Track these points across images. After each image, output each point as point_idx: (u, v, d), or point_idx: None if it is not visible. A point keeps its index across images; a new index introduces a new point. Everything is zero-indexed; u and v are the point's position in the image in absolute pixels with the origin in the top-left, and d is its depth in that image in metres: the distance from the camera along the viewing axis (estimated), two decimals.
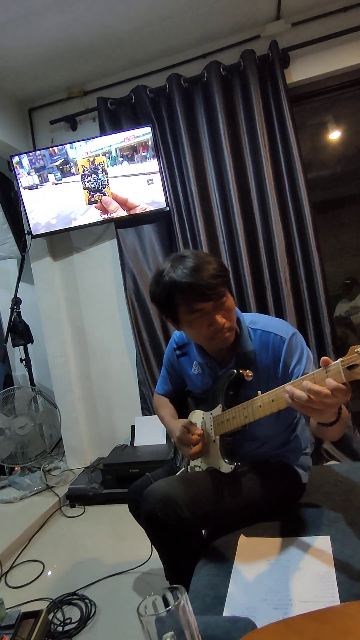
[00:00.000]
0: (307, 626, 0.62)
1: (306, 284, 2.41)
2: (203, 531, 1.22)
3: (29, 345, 2.87)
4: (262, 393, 1.05)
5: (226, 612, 0.89)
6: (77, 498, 2.36)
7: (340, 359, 0.82)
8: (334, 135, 3.39)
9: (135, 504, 1.42)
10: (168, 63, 2.47)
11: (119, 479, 2.29)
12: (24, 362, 2.83)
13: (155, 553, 1.48)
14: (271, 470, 1.23)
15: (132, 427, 2.60)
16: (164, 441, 2.47)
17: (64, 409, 2.74)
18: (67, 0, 1.97)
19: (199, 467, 1.27)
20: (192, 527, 1.08)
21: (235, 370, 1.14)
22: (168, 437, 2.48)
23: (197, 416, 1.29)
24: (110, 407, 2.80)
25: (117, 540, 2.00)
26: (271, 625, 0.63)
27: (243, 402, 1.10)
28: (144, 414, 2.65)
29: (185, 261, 1.09)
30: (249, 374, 1.12)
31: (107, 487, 2.32)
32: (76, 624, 1.50)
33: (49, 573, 1.84)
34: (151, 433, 2.52)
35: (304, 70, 2.36)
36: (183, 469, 1.36)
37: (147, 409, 2.65)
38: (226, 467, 1.15)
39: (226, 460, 1.15)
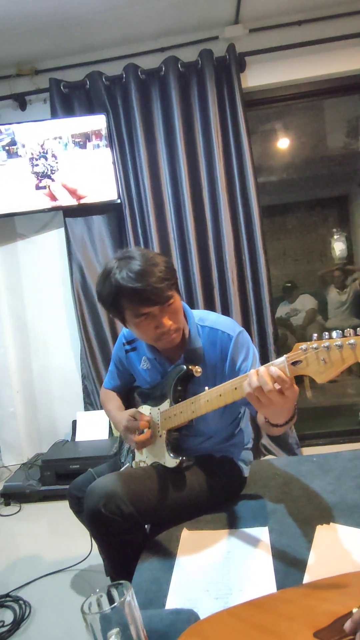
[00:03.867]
0: (248, 613, 0.64)
1: (252, 285, 2.49)
2: (146, 526, 1.22)
3: None
4: (209, 389, 1.07)
5: (169, 605, 0.90)
6: (13, 496, 2.26)
7: (286, 355, 0.86)
8: (283, 143, 3.54)
9: (76, 500, 1.39)
10: (126, 52, 2.43)
11: (59, 475, 2.22)
12: None
13: (95, 549, 1.47)
14: (215, 465, 1.26)
15: (74, 422, 2.53)
16: (106, 436, 2.44)
17: (1, 403, 2.61)
18: None
19: (144, 462, 1.27)
20: (136, 522, 1.08)
21: (185, 366, 1.15)
22: (111, 432, 2.45)
23: (145, 410, 1.29)
24: (51, 402, 2.71)
25: (55, 538, 1.94)
26: (214, 615, 0.65)
27: (190, 398, 1.12)
28: (86, 409, 2.60)
29: (132, 263, 1.08)
30: (198, 369, 1.14)
31: (45, 484, 2.24)
32: (8, 626, 1.44)
33: None
34: (94, 428, 2.48)
35: (258, 76, 2.43)
36: (127, 464, 1.35)
37: (91, 403, 2.60)
38: (171, 461, 1.16)
39: (171, 455, 1.16)
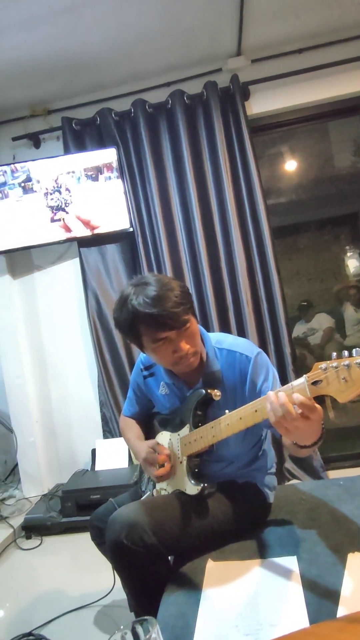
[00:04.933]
0: None
1: (267, 305, 2.48)
2: (169, 557, 1.19)
3: None
4: (229, 412, 1.05)
5: None
6: (34, 528, 2.23)
7: (306, 375, 0.85)
8: (290, 165, 3.59)
9: (97, 532, 1.36)
10: (133, 88, 2.53)
11: (79, 506, 2.19)
12: None
13: (118, 583, 1.43)
14: (238, 491, 1.23)
15: (93, 451, 2.51)
16: (126, 464, 2.41)
17: (21, 433, 2.62)
18: (33, 21, 1.98)
19: (165, 490, 1.25)
20: (159, 553, 1.05)
21: (204, 390, 1.14)
22: (131, 460, 2.42)
23: (164, 437, 1.28)
24: (70, 431, 2.70)
25: (77, 572, 1.90)
26: None
27: (210, 422, 1.10)
28: (105, 437, 2.58)
29: (148, 289, 1.09)
30: (217, 393, 1.13)
31: (66, 515, 2.21)
32: None
33: (1, 613, 1.71)
34: (113, 456, 2.45)
35: (263, 103, 2.49)
36: (148, 493, 1.32)
37: (109, 431, 2.59)
38: (192, 488, 1.13)
39: (192, 482, 1.14)
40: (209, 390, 1.14)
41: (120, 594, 1.50)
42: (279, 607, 0.92)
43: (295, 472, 2.35)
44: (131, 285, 1.14)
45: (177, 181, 2.50)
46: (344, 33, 2.35)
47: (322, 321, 4.17)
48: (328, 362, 0.82)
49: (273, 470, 1.33)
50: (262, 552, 1.11)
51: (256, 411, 0.97)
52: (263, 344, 2.48)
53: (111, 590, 1.62)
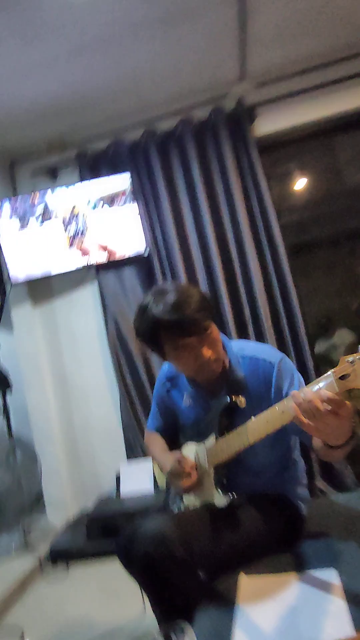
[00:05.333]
0: None
1: (286, 320, 2.47)
2: (200, 573, 1.14)
3: (8, 395, 2.76)
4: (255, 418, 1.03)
5: None
6: (60, 556, 2.18)
7: (332, 369, 0.83)
8: (301, 182, 3.63)
9: (125, 552, 1.31)
10: (143, 118, 2.63)
11: (105, 532, 2.14)
12: (1, 411, 2.71)
13: (149, 609, 1.37)
14: (269, 503, 1.18)
15: (118, 475, 2.47)
16: (151, 489, 2.35)
17: (45, 459, 2.60)
18: (48, 62, 2.11)
19: (194, 503, 1.21)
20: (189, 567, 1.01)
21: (228, 397, 1.12)
22: (156, 484, 2.36)
23: (190, 449, 1.25)
24: (94, 455, 2.67)
25: (106, 600, 1.83)
26: None
27: (236, 429, 1.08)
28: (129, 460, 2.54)
29: (167, 296, 1.09)
30: (241, 399, 1.11)
31: (92, 542, 2.16)
32: None
33: None
34: (138, 480, 2.40)
35: (269, 123, 2.56)
36: (176, 507, 1.29)
37: (133, 455, 2.55)
38: (221, 499, 1.10)
39: (220, 492, 1.11)
40: (233, 398, 1.12)
41: (151, 620, 1.43)
42: (321, 622, 0.86)
43: (326, 490, 2.25)
44: (150, 294, 1.14)
45: (190, 204, 2.56)
46: (344, 52, 2.42)
47: (344, 337, 4.10)
48: (355, 354, 0.81)
49: (305, 481, 1.28)
50: (298, 566, 1.06)
51: (283, 412, 0.95)
52: None
53: (141, 617, 1.55)
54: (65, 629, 1.70)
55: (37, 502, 2.63)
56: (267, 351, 1.19)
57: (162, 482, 2.34)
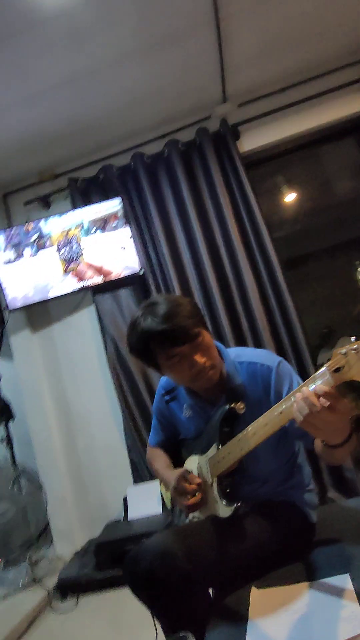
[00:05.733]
0: None
1: (285, 330, 2.46)
2: (210, 591, 1.09)
3: (10, 424, 2.74)
4: None
5: None
6: (69, 588, 2.10)
7: (326, 364, 0.82)
8: (290, 195, 3.69)
9: (132, 575, 1.27)
10: (132, 144, 2.71)
11: (114, 559, 2.07)
12: (4, 441, 2.68)
13: (162, 638, 1.31)
14: (276, 511, 1.15)
15: (125, 500, 2.41)
16: (160, 510, 2.29)
17: (50, 488, 2.55)
18: (34, 96, 2.19)
19: (198, 518, 1.18)
20: (196, 581, 0.97)
21: (227, 406, 1.11)
22: (164, 505, 2.30)
23: (193, 462, 1.23)
24: (100, 480, 2.62)
25: (117, 631, 1.76)
26: None
27: (236, 436, 1.06)
28: (136, 482, 2.49)
29: (156, 308, 1.10)
30: (240, 406, 1.10)
31: (101, 570, 2.09)
32: None
33: None
34: (146, 503, 2.34)
35: (253, 140, 2.63)
36: (181, 524, 1.25)
37: (139, 476, 2.50)
38: (225, 510, 1.07)
39: (224, 503, 1.08)
40: (232, 405, 1.11)
41: None
42: (336, 628, 0.82)
43: (338, 500, 2.19)
44: (140, 309, 1.15)
45: (181, 223, 2.59)
46: (322, 68, 2.51)
47: (345, 345, 4.06)
48: (347, 346, 0.80)
49: (311, 487, 1.25)
50: (310, 574, 1.02)
51: (281, 413, 0.93)
52: None
53: None
54: None
55: (43, 532, 2.56)
56: (264, 356, 1.19)
57: (169, 502, 2.29)
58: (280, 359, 1.17)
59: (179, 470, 1.19)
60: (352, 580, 0.95)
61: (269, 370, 1.13)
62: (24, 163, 2.71)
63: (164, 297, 1.14)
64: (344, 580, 0.95)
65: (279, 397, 1.10)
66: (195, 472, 1.18)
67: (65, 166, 2.80)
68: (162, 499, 2.31)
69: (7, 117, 2.28)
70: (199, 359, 1.09)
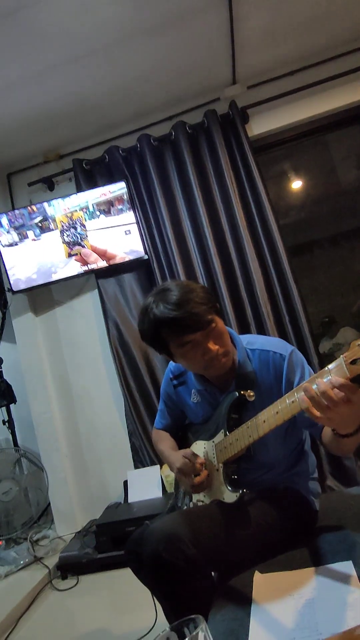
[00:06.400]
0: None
1: (289, 318, 2.45)
2: (213, 574, 1.11)
3: (12, 406, 2.75)
4: None
5: None
6: (69, 567, 2.14)
7: (343, 354, 0.81)
8: (297, 182, 3.65)
9: (134, 557, 1.28)
10: (138, 125, 2.66)
11: (115, 540, 2.10)
12: (6, 424, 2.70)
13: (160, 619, 1.33)
14: (280, 498, 1.16)
15: (125, 483, 2.44)
16: (160, 494, 2.32)
17: (51, 470, 2.57)
18: (40, 74, 2.13)
19: (202, 502, 1.19)
20: (200, 565, 0.98)
21: (237, 392, 1.10)
22: (164, 489, 2.33)
23: (199, 447, 1.23)
24: (101, 463, 2.64)
25: (117, 611, 1.79)
26: None
27: (245, 422, 1.06)
28: (136, 467, 2.51)
29: (168, 295, 1.08)
30: (250, 394, 1.09)
31: (101, 551, 2.12)
32: None
33: None
34: (146, 487, 2.37)
35: (262, 124, 2.58)
36: (185, 507, 1.26)
37: (140, 461, 2.52)
38: (230, 495, 1.08)
39: (230, 488, 1.08)
40: (242, 392, 1.10)
41: (163, 628, 1.40)
42: (341, 614, 0.83)
43: (337, 488, 2.21)
44: (152, 295, 1.13)
45: (187, 207, 2.56)
46: (333, 51, 2.45)
47: (347, 335, 4.06)
48: None
49: (315, 475, 1.26)
50: (314, 560, 1.03)
51: (292, 402, 0.93)
52: None
53: (153, 626, 1.52)
54: None
55: (44, 513, 2.60)
56: (277, 344, 1.18)
57: (170, 487, 2.31)
58: (293, 347, 1.16)
59: (183, 450, 1.19)
60: (356, 566, 0.96)
61: (281, 358, 1.13)
62: (29, 143, 2.66)
63: (175, 284, 1.12)
64: (348, 567, 0.96)
65: (290, 386, 1.10)
66: (201, 456, 1.18)
67: (70, 147, 2.76)
68: (163, 483, 2.33)
69: (12, 95, 2.23)
70: (212, 346, 1.08)
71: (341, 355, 0.81)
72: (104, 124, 2.68)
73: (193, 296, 1.07)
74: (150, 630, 1.53)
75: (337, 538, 1.09)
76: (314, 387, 0.83)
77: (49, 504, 2.60)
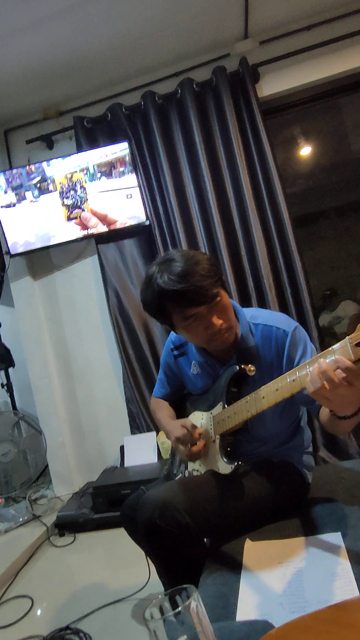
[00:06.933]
0: (336, 615, 0.55)
1: (290, 291, 2.42)
2: (205, 540, 1.14)
3: (10, 370, 2.76)
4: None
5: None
6: (67, 526, 2.21)
7: (348, 336, 0.79)
8: (306, 150, 3.52)
9: (130, 520, 1.32)
10: (142, 82, 2.52)
11: (110, 502, 2.17)
12: (4, 387, 2.72)
13: (154, 577, 1.38)
14: (274, 470, 1.17)
15: (122, 448, 2.49)
16: (155, 460, 2.37)
17: (49, 434, 2.62)
18: (41, 22, 2.00)
19: (198, 471, 1.20)
20: (193, 533, 1.01)
21: (237, 366, 1.09)
22: (160, 455, 2.38)
23: (196, 417, 1.24)
24: (98, 428, 2.69)
25: (112, 568, 1.87)
26: (295, 620, 0.57)
27: (244, 397, 1.05)
28: (133, 433, 2.55)
29: (173, 266, 1.05)
30: (251, 368, 1.08)
31: (97, 511, 2.19)
32: None
33: (39, 608, 1.69)
34: (142, 452, 2.42)
35: (273, 84, 2.45)
36: (180, 475, 1.28)
37: (137, 427, 2.56)
38: (226, 467, 1.09)
39: (225, 460, 1.09)
40: (242, 366, 1.09)
41: (155, 587, 1.46)
42: (327, 584, 0.86)
43: (330, 460, 2.26)
44: (156, 264, 1.10)
45: (191, 171, 2.48)
46: (352, 5, 2.28)
47: (347, 309, 4.05)
48: None
49: (310, 449, 1.27)
50: (303, 530, 1.05)
51: (293, 380, 0.91)
52: None
53: (147, 583, 1.58)
54: (73, 594, 1.74)
55: (42, 474, 2.67)
56: (281, 319, 1.15)
57: (165, 453, 2.36)
58: (296, 324, 1.14)
59: (181, 420, 1.20)
60: (344, 538, 0.98)
61: (284, 334, 1.11)
62: (27, 98, 2.54)
63: (180, 254, 1.08)
64: (337, 538, 0.99)
65: (290, 363, 1.09)
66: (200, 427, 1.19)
67: (71, 103, 2.63)
68: (159, 449, 2.38)
69: (10, 45, 2.10)
70: (216, 320, 1.06)
71: (347, 337, 0.79)
72: (106, 80, 2.54)
73: (199, 268, 1.04)
74: (144, 587, 1.60)
75: (327, 510, 1.11)
76: (317, 365, 0.82)
77: (47, 465, 2.66)
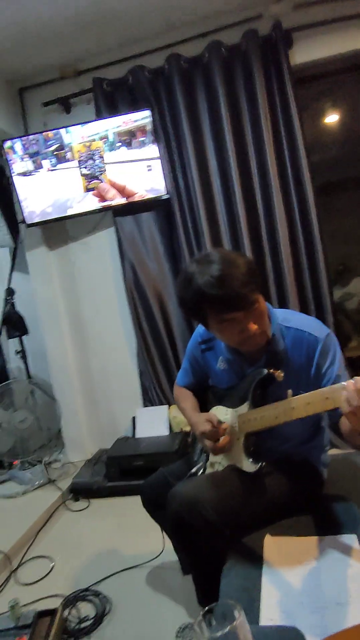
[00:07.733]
0: None
1: (309, 272, 2.41)
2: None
3: (24, 337, 2.80)
4: (292, 392, 1.03)
5: (264, 618, 0.88)
6: (81, 491, 2.34)
7: None
8: (332, 118, 3.35)
9: (151, 500, 1.40)
10: (167, 41, 2.37)
11: (123, 471, 2.28)
12: (19, 353, 2.76)
13: (167, 547, 1.48)
14: (293, 468, 1.22)
15: (134, 419, 2.57)
16: (166, 432, 2.46)
17: (64, 402, 2.70)
18: None
19: (220, 463, 1.26)
20: (218, 529, 1.07)
21: (266, 370, 1.11)
22: (171, 429, 2.47)
23: (220, 412, 1.27)
24: (111, 399, 2.76)
25: (125, 534, 1.99)
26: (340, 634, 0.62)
27: (273, 402, 1.08)
28: (145, 406, 2.63)
29: (212, 267, 1.05)
30: (280, 374, 1.10)
31: (110, 480, 2.30)
32: (92, 620, 1.50)
33: (59, 569, 1.83)
34: (153, 424, 2.50)
35: (307, 52, 2.30)
36: (201, 463, 1.34)
37: (149, 400, 2.63)
38: (250, 466, 1.14)
39: (250, 460, 1.14)
40: (271, 371, 1.11)
41: (169, 556, 1.57)
42: (344, 586, 0.93)
43: (336, 442, 2.34)
44: (195, 262, 1.10)
45: (214, 143, 2.38)
46: None
47: (359, 286, 4.03)
48: None
49: (328, 447, 1.32)
50: (319, 529, 1.12)
51: (327, 399, 0.94)
52: (304, 312, 2.41)
53: (161, 552, 1.68)
54: (90, 559, 1.87)
55: (57, 440, 2.78)
56: (313, 325, 1.16)
57: (176, 427, 2.44)
58: (328, 330, 1.15)
59: (207, 415, 1.22)
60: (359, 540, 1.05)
61: (316, 341, 1.12)
62: (42, 53, 2.39)
63: (219, 255, 1.08)
64: (352, 540, 1.05)
65: (318, 370, 1.11)
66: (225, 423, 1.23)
67: (89, 62, 2.49)
68: (170, 423, 2.46)
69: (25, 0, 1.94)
70: (252, 326, 1.07)
71: None
72: (128, 37, 2.38)
73: (238, 273, 1.04)
74: (159, 555, 1.70)
75: (342, 509, 1.17)
76: (351, 385, 0.84)
77: (60, 429, 2.76)
